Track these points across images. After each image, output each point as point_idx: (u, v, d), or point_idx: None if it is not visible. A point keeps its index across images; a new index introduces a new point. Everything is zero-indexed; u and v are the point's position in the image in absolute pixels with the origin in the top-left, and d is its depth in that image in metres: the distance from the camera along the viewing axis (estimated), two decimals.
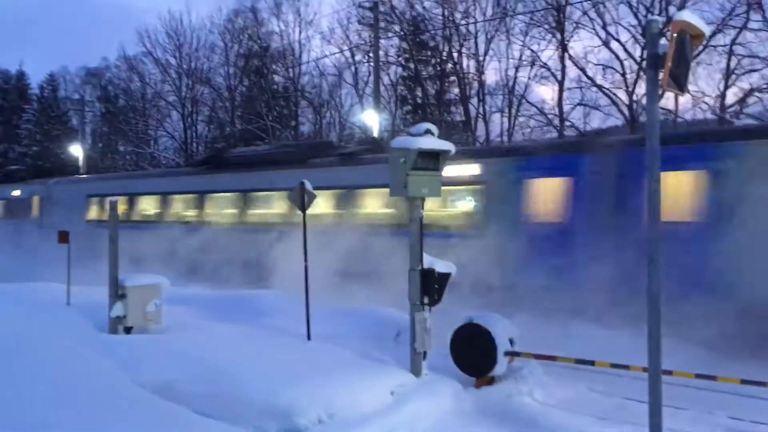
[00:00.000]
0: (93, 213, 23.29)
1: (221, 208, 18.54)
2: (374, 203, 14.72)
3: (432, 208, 12.03)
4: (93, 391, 2.57)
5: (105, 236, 10.11)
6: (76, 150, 40.21)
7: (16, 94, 53.72)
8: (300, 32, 39.21)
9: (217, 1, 68.16)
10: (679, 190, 9.80)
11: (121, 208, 19.60)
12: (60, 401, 2.26)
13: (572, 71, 29.51)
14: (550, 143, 18.55)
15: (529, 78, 31.15)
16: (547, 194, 11.73)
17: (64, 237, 11.63)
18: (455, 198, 13.81)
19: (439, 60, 33.97)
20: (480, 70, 32.27)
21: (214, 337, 9.01)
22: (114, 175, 32.48)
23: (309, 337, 9.06)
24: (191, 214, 19.45)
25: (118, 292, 9.72)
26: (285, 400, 6.49)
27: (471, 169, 12.74)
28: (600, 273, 9.90)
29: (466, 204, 13.55)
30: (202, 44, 42.83)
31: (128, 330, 9.59)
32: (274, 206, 16.80)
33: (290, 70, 39.82)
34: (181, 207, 20.12)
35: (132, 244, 13.57)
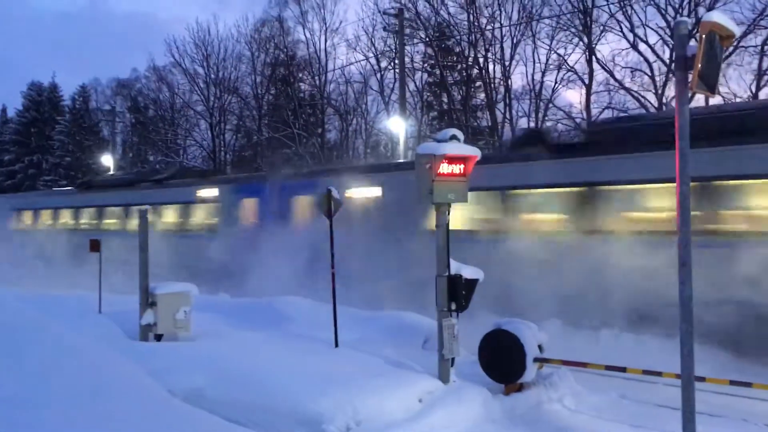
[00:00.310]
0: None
1: (90, 218, 25.61)
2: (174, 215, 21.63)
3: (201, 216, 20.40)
4: (127, 398, 2.60)
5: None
6: (107, 160, 40.87)
7: (49, 106, 54.81)
8: (326, 40, 39.47)
9: (244, 11, 69.05)
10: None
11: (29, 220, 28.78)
12: (95, 409, 2.29)
13: (600, 74, 29.28)
14: (251, 175, 25.20)
15: (555, 82, 30.98)
16: (249, 208, 18.87)
17: (95, 245, 11.79)
18: (208, 210, 20.46)
19: (464, 65, 33.92)
20: (506, 75, 32.16)
21: (241, 344, 9.06)
22: (33, 193, 38.57)
23: (336, 344, 9.06)
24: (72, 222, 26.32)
25: (148, 300, 9.83)
26: (313, 408, 6.49)
27: (213, 191, 20.11)
28: (274, 254, 15.36)
29: (212, 215, 20.29)
30: (230, 54, 43.35)
31: (159, 337, 9.68)
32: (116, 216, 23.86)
33: (316, 78, 40.07)
34: (67, 217, 26.90)
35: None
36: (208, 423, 3.49)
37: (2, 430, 1.89)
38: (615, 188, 11.27)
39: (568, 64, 30.08)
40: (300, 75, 41.53)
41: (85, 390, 2.46)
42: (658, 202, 10.78)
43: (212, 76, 43.82)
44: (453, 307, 7.63)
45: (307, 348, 8.85)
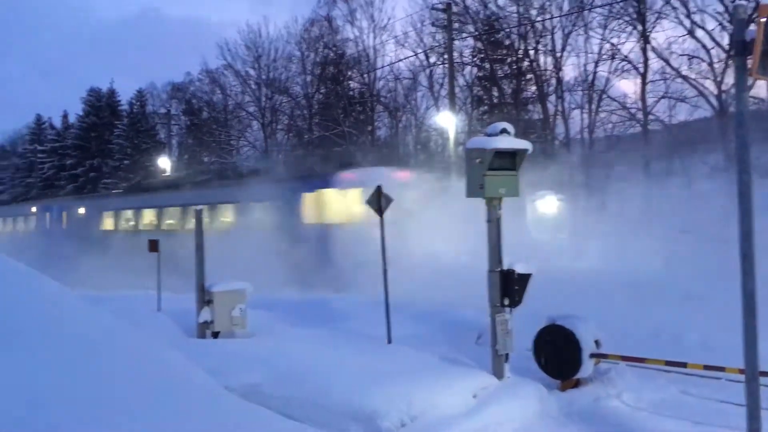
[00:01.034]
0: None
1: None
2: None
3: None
4: (186, 394, 2.67)
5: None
6: (164, 162, 41.86)
7: (108, 111, 56.47)
8: (374, 38, 39.53)
9: (294, 12, 69.71)
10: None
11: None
12: (157, 405, 2.36)
13: (655, 63, 28.49)
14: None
15: (609, 72, 30.28)
16: None
17: (154, 246, 12.10)
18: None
19: (515, 58, 33.50)
20: (558, 67, 31.62)
21: (296, 340, 9.18)
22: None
23: (389, 340, 9.09)
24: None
25: (205, 298, 10.04)
26: (367, 404, 6.52)
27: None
28: None
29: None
30: (280, 55, 43.84)
31: (215, 334, 9.89)
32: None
33: (365, 75, 40.20)
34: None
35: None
36: (266, 418, 3.54)
37: (75, 425, 1.97)
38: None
39: (621, 54, 29.39)
40: (349, 73, 41.73)
41: (148, 388, 2.53)
42: None
43: (263, 77, 44.44)
44: (506, 302, 7.56)
45: (361, 344, 8.91)
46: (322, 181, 18.06)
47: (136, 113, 55.55)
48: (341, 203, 17.64)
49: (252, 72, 44.81)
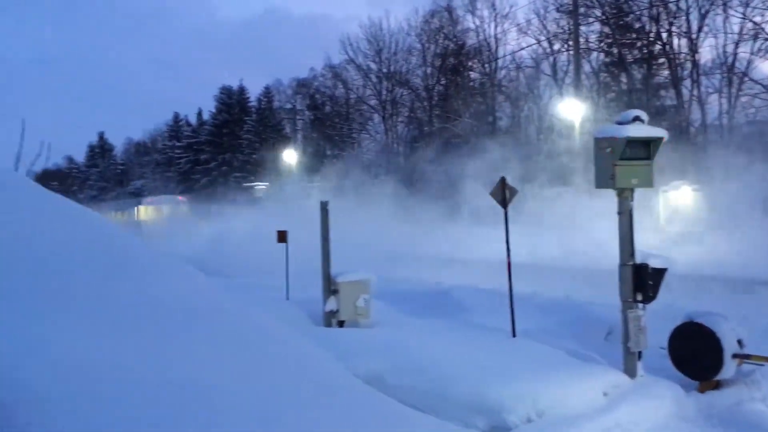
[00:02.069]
0: None
1: None
2: None
3: None
4: (321, 379, 2.76)
5: None
6: (290, 156, 43.39)
7: (238, 108, 59.26)
8: (495, 27, 38.97)
9: (414, 3, 69.95)
10: None
11: None
12: (296, 389, 2.45)
13: None
14: None
15: (751, 53, 28.15)
16: None
17: (282, 236, 12.53)
18: None
19: (645, 42, 31.89)
20: (693, 49, 29.77)
21: (419, 332, 9.21)
22: None
23: (514, 334, 8.93)
24: None
25: (331, 288, 10.30)
26: (492, 397, 6.44)
27: None
28: None
29: None
30: (400, 47, 44.22)
31: (341, 324, 10.12)
32: None
33: (486, 65, 39.69)
34: None
35: None
36: (392, 407, 3.58)
37: (198, 415, 2.07)
38: None
39: (765, 33, 27.21)
40: (470, 63, 41.38)
41: (284, 374, 2.62)
42: None
43: (384, 70, 44.98)
44: (639, 297, 7.22)
45: (485, 337, 8.82)
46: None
47: (263, 109, 57.92)
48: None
49: (373, 65, 45.55)
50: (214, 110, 61.96)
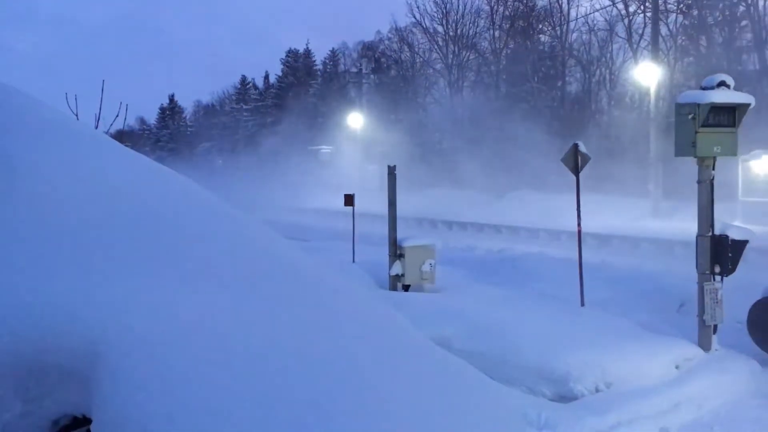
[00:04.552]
0: None
1: None
2: None
3: None
4: (401, 341, 2.82)
5: None
6: (355, 119, 43.44)
7: (304, 71, 59.58)
8: None
9: None
10: None
11: None
12: (380, 351, 2.51)
13: None
14: None
15: None
16: None
17: (349, 200, 12.63)
18: None
19: (728, 3, 30.32)
20: None
21: (484, 298, 9.17)
22: None
23: (582, 303, 8.81)
24: None
25: (396, 252, 10.36)
26: (560, 366, 6.39)
27: None
28: None
29: None
30: (468, 10, 43.38)
31: (406, 288, 10.19)
32: None
33: (557, 28, 38.59)
34: None
35: None
36: (469, 373, 3.61)
37: (298, 377, 2.12)
38: None
39: None
40: (540, 26, 40.30)
41: (366, 330, 2.67)
42: None
43: (451, 33, 44.28)
44: (717, 270, 7.00)
45: (552, 305, 8.72)
46: None
47: (329, 72, 58.03)
48: None
49: (440, 28, 44.87)
50: (280, 73, 62.49)
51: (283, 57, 61.64)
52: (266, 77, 67.53)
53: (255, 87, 68.09)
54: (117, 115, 7.99)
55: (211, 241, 2.71)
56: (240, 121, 63.96)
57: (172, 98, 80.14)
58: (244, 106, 64.76)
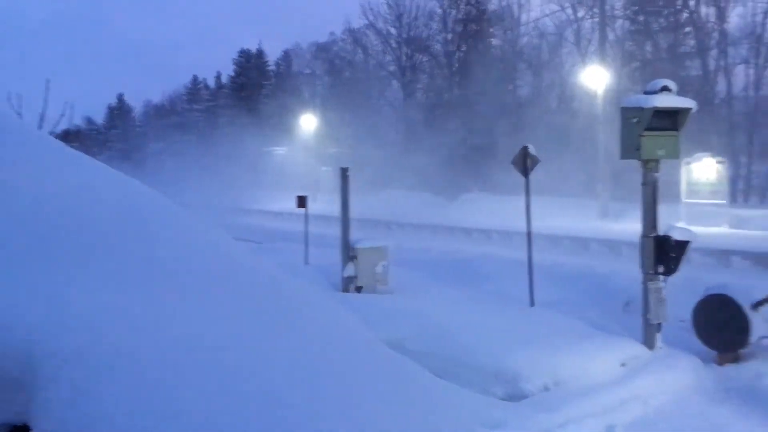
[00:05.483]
0: None
1: None
2: None
3: None
4: (350, 342, 2.81)
5: None
6: (308, 121, 43.23)
7: (257, 72, 59.05)
8: None
9: None
10: None
11: None
12: (326, 352, 2.50)
13: None
14: None
15: None
16: None
17: (302, 202, 12.58)
18: None
19: (672, 10, 31.23)
20: (721, 18, 29.14)
21: (437, 299, 9.24)
22: None
23: (532, 303, 8.95)
24: None
25: (349, 254, 10.35)
26: (510, 366, 6.47)
27: None
28: None
29: None
30: (421, 12, 43.62)
31: (359, 289, 10.19)
32: None
33: (508, 32, 39.12)
34: None
35: None
36: (420, 374, 3.63)
37: (246, 376, 2.10)
38: None
39: None
40: (491, 30, 40.79)
41: (318, 332, 2.66)
42: None
43: (404, 35, 44.46)
44: (660, 270, 7.19)
45: (504, 306, 8.84)
46: None
47: (282, 73, 57.65)
48: None
49: (393, 31, 45.01)
50: (232, 74, 61.79)
51: (236, 57, 61.00)
52: (218, 77, 66.74)
53: (207, 87, 67.20)
54: (62, 115, 7.81)
55: (159, 244, 2.65)
56: (192, 121, 63.02)
57: (120, 97, 78.50)
58: (196, 107, 63.86)
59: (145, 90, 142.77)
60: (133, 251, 2.48)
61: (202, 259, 2.74)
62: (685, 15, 30.67)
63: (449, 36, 42.52)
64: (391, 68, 46.39)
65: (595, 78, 24.62)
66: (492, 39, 40.96)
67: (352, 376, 2.46)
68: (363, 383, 2.47)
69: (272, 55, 61.23)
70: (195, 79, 67.85)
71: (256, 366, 2.11)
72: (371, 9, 45.30)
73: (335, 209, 10.65)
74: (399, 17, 44.31)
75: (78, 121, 78.48)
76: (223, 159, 49.16)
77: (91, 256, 2.50)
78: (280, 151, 47.45)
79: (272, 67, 60.06)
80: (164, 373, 2.00)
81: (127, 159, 60.34)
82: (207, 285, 2.52)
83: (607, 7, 29.54)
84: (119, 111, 78.02)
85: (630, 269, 9.06)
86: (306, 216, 12.79)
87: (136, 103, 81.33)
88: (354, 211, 11.01)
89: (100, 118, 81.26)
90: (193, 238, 2.96)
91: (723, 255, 13.60)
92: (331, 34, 55.04)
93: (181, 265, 2.55)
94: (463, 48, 42.08)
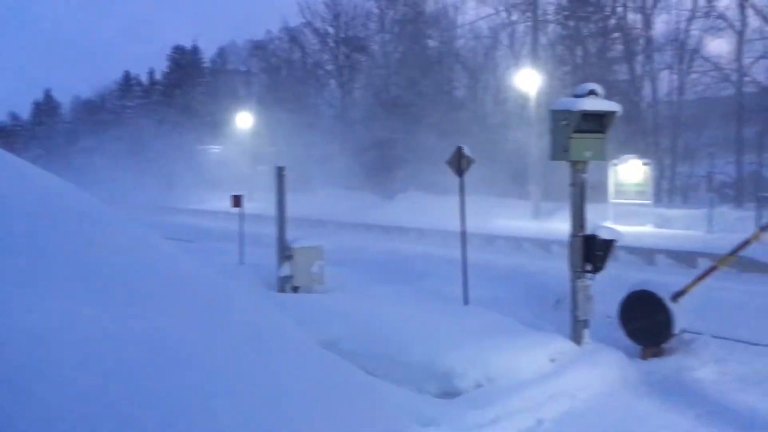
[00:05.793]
0: None
1: None
2: None
3: None
4: (282, 344, 2.79)
5: None
6: (244, 119, 42.67)
7: (192, 69, 57.92)
8: None
9: None
10: None
11: None
12: (255, 353, 2.47)
13: (754, 21, 26.84)
14: None
15: (703, 30, 28.76)
16: None
17: (237, 201, 12.43)
18: None
19: (601, 16, 32.22)
20: (647, 25, 30.24)
21: (373, 298, 9.31)
22: None
23: (466, 301, 9.11)
24: None
25: (285, 254, 10.30)
26: (444, 363, 6.58)
27: None
28: None
29: None
30: (359, 12, 43.66)
31: (295, 289, 10.15)
32: None
33: (444, 34, 39.57)
34: None
35: None
36: (352, 373, 3.64)
37: (172, 372, 2.07)
38: None
39: (717, 11, 27.79)
40: (428, 31, 41.16)
41: (245, 335, 2.63)
42: None
43: (342, 35, 44.40)
44: (588, 268, 7.43)
45: (438, 304, 8.97)
46: None
47: (218, 70, 56.74)
48: None
49: (330, 30, 44.88)
50: (166, 70, 60.43)
51: (170, 53, 59.66)
52: (151, 73, 65.13)
53: (139, 83, 65.50)
54: None
55: (73, 243, 2.58)
56: (124, 118, 61.30)
57: (48, 92, 75.70)
58: (128, 103, 62.17)
59: (75, 86, 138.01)
60: (45, 250, 2.41)
61: (122, 258, 2.69)
62: (613, 21, 31.68)
63: (387, 36, 42.69)
64: (329, 67, 46.26)
65: (528, 81, 25.18)
66: (429, 40, 41.33)
67: (279, 378, 2.46)
68: (291, 385, 2.47)
69: (207, 52, 60.25)
70: (127, 75, 66.07)
71: (174, 370, 2.09)
72: (308, 8, 45.07)
73: (272, 208, 10.57)
74: (336, 16, 44.23)
75: (2, 117, 75.42)
76: (156, 157, 48.08)
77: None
78: (215, 149, 46.74)
79: (207, 64, 59.04)
80: (78, 375, 1.94)
81: (54, 156, 58.26)
82: (125, 284, 2.47)
83: (540, 12, 30.27)
84: (46, 107, 75.22)
85: (561, 267, 9.33)
86: (241, 215, 12.65)
87: (64, 98, 78.58)
88: (291, 210, 10.96)
89: (26, 113, 78.21)
90: (115, 237, 2.89)
91: (648, 253, 14.12)
92: (268, 32, 54.48)
93: (97, 264, 2.49)
94: (401, 49, 42.32)
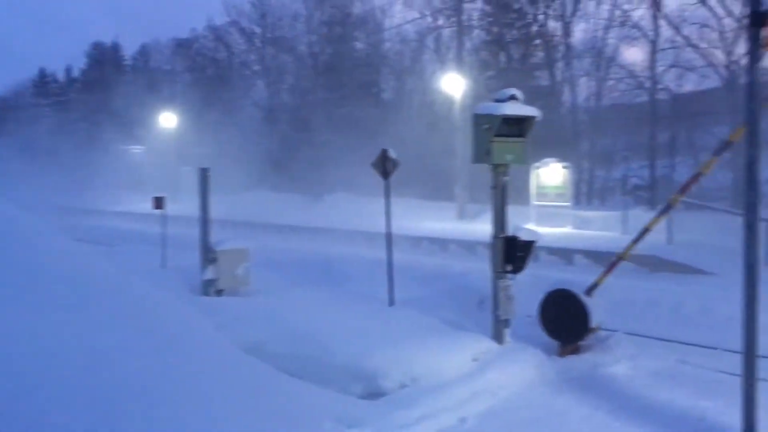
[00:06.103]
0: None
1: None
2: None
3: None
4: (198, 350, 2.74)
5: None
6: (167, 119, 41.63)
7: (112, 66, 56.08)
8: None
9: None
10: None
11: None
12: (169, 360, 2.42)
13: (666, 31, 28.14)
14: None
15: (619, 39, 29.96)
16: None
17: (159, 203, 12.14)
18: None
19: (523, 23, 33.09)
20: (567, 33, 31.26)
21: (299, 300, 9.26)
22: None
23: (392, 303, 9.18)
24: None
25: (209, 257, 10.12)
26: (369, 364, 6.63)
27: None
28: None
29: None
30: (286, 12, 43.29)
31: (219, 292, 9.99)
32: None
33: (371, 36, 39.74)
34: None
35: None
36: (271, 375, 3.63)
37: (86, 381, 2.02)
38: None
39: (632, 20, 29.00)
40: (356, 33, 41.25)
41: (160, 342, 2.59)
42: None
43: (268, 35, 43.94)
44: (509, 268, 7.63)
45: (364, 305, 9.01)
46: None
47: (140, 68, 55.17)
48: None
49: (257, 29, 44.35)
50: (85, 67, 58.32)
51: (88, 49, 57.62)
52: (68, 70, 62.70)
53: (56, 81, 62.95)
54: None
55: None
56: (39, 117, 58.75)
57: None
58: (44, 101, 59.63)
59: None
60: None
61: (32, 264, 2.60)
62: (535, 28, 32.58)
63: (314, 38, 42.52)
64: (256, 68, 45.70)
65: (454, 85, 25.58)
66: (356, 42, 41.42)
67: (196, 382, 2.44)
68: (207, 389, 2.45)
69: (129, 50, 58.50)
70: (43, 71, 63.38)
71: (88, 373, 2.04)
72: (234, 7, 44.43)
73: (196, 210, 10.37)
74: (263, 16, 43.74)
75: None
76: (75, 157, 46.28)
77: None
78: (138, 150, 45.42)
79: (129, 62, 57.32)
80: None
81: None
82: (36, 289, 2.40)
83: (465, 18, 30.83)
84: None
85: (485, 268, 9.53)
86: (164, 217, 12.35)
87: None
88: (217, 212, 10.78)
89: None
90: (25, 242, 2.80)
91: (567, 253, 14.58)
92: (193, 30, 53.37)
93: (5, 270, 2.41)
94: (328, 50, 42.24)
